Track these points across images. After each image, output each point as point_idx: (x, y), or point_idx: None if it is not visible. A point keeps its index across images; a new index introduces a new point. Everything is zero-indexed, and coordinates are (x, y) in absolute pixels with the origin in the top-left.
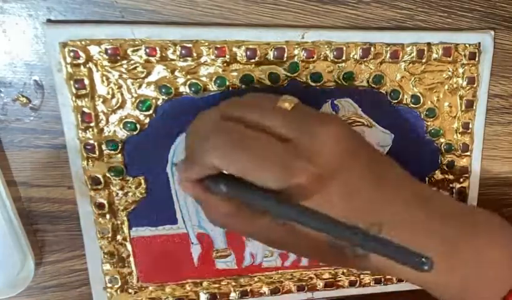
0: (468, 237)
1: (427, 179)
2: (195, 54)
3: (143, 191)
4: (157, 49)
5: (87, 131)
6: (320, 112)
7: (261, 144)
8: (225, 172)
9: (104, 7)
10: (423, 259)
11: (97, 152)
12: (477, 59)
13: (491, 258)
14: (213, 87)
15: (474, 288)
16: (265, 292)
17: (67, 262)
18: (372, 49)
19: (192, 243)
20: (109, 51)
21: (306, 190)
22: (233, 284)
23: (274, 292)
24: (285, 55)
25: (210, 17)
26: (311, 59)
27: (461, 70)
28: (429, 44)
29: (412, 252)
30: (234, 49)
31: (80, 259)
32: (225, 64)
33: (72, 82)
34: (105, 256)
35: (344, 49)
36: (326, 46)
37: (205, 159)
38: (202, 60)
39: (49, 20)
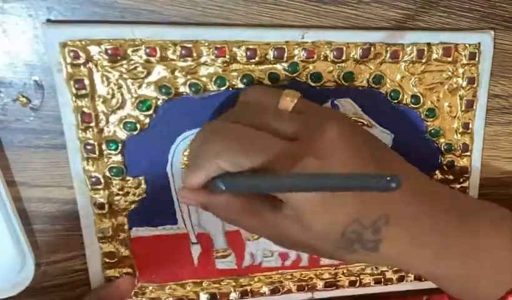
0: (469, 232)
1: None
2: (195, 54)
3: (143, 191)
4: (157, 49)
5: (87, 131)
6: (322, 107)
7: (270, 144)
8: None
9: (104, 7)
10: (388, 179)
11: (97, 152)
12: (477, 59)
13: (491, 256)
14: (213, 87)
15: (472, 284)
16: (265, 292)
17: (67, 262)
18: (372, 49)
19: (192, 243)
20: (109, 51)
21: None
22: (233, 284)
23: (274, 292)
24: (285, 55)
25: (210, 17)
26: (311, 59)
27: (461, 70)
28: (429, 44)
29: (377, 176)
30: (234, 49)
31: (80, 259)
32: (225, 64)
33: (72, 82)
34: (105, 256)
35: (344, 49)
36: (326, 46)
37: (213, 162)
38: (202, 60)
39: (49, 20)
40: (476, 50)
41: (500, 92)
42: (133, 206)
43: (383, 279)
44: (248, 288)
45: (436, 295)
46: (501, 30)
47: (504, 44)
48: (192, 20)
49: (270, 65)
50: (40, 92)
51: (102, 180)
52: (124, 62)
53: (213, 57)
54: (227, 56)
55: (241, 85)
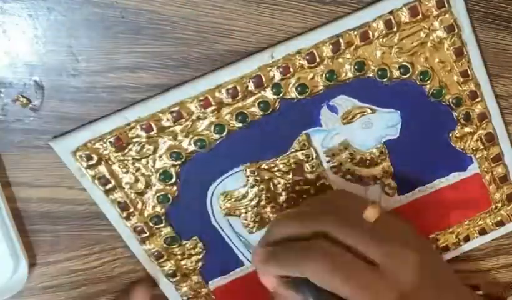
0: None
1: (449, 139)
2: (185, 114)
3: (202, 248)
4: (151, 123)
5: (131, 217)
6: (401, 224)
7: (353, 269)
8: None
9: (104, 8)
10: None
11: (148, 232)
12: (446, 5)
13: None
14: (215, 136)
15: None
16: None
17: (67, 262)
18: (340, 39)
19: None
20: (114, 142)
21: None
22: None
23: None
24: (263, 80)
25: (210, 17)
26: (288, 75)
27: (436, 23)
28: (391, 11)
29: None
30: (217, 95)
31: (80, 259)
32: (215, 112)
33: (97, 182)
34: None
35: (315, 51)
36: (297, 56)
37: (302, 271)
38: (195, 116)
39: (55, 137)
40: None
41: (500, 92)
42: (200, 264)
43: None
44: None
45: None
46: (501, 30)
47: (504, 44)
48: (192, 20)
49: (256, 95)
50: (40, 92)
51: (163, 253)
52: (130, 145)
53: (202, 110)
54: (213, 104)
55: (239, 125)
